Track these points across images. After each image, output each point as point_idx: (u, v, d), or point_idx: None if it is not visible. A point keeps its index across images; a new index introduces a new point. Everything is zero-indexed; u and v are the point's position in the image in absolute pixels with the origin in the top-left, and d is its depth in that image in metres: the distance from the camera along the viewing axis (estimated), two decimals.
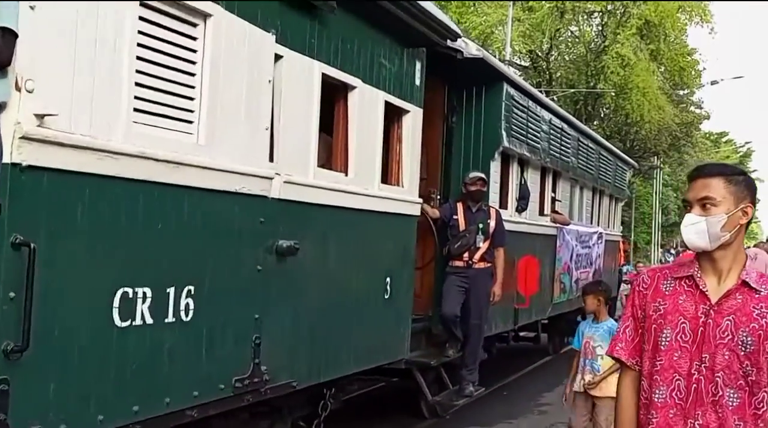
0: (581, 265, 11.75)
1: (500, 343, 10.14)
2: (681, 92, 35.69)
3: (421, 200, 6.61)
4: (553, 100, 20.02)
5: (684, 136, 37.15)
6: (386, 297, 5.88)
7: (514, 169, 8.93)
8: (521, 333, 11.27)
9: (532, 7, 29.60)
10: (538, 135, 9.39)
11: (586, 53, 31.81)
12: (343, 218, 5.23)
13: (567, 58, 33.28)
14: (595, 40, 32.10)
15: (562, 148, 10.59)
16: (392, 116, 6.14)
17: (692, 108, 38.39)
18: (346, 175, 5.35)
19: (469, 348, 7.47)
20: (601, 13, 31.47)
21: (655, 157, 38.97)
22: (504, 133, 8.02)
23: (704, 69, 42.00)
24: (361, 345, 5.62)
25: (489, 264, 7.55)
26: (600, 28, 32.01)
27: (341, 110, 5.38)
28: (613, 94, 30.90)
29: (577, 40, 32.52)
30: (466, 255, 7.45)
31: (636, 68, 29.62)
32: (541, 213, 10.10)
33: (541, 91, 14.31)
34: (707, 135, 49.93)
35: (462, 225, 7.45)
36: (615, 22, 30.72)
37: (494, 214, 7.64)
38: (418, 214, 6.53)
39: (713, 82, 34.99)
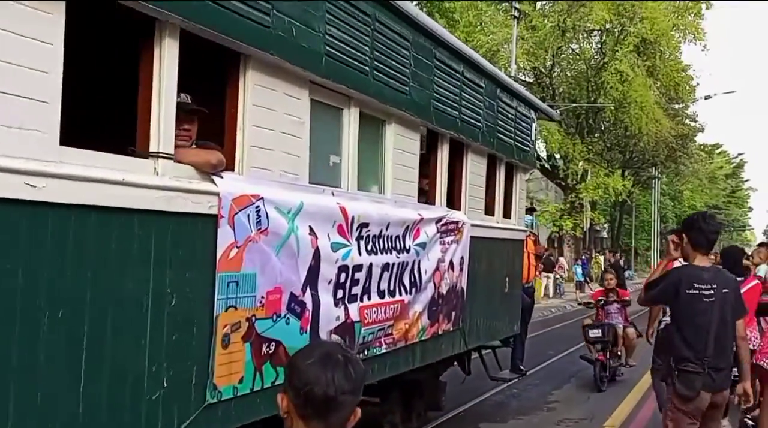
0: (372, 291, 5.33)
1: None
2: (676, 106, 37.71)
3: None
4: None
5: (680, 147, 39.17)
6: None
7: None
8: None
9: (535, 26, 31.64)
10: None
11: (586, 69, 33.89)
12: None
13: (569, 74, 35.35)
14: (595, 56, 34.18)
15: None
16: None
17: (687, 121, 40.52)
18: None
19: None
20: (600, 32, 33.54)
21: (654, 168, 40.97)
22: None
23: (698, 84, 44.12)
24: None
25: None
26: (599, 45, 34.10)
27: None
28: (613, 108, 32.93)
29: (578, 57, 34.57)
30: None
31: (634, 83, 31.67)
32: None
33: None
34: (702, 147, 51.97)
35: None
36: (613, 39, 32.80)
37: None
38: None
39: (707, 97, 37.01)
